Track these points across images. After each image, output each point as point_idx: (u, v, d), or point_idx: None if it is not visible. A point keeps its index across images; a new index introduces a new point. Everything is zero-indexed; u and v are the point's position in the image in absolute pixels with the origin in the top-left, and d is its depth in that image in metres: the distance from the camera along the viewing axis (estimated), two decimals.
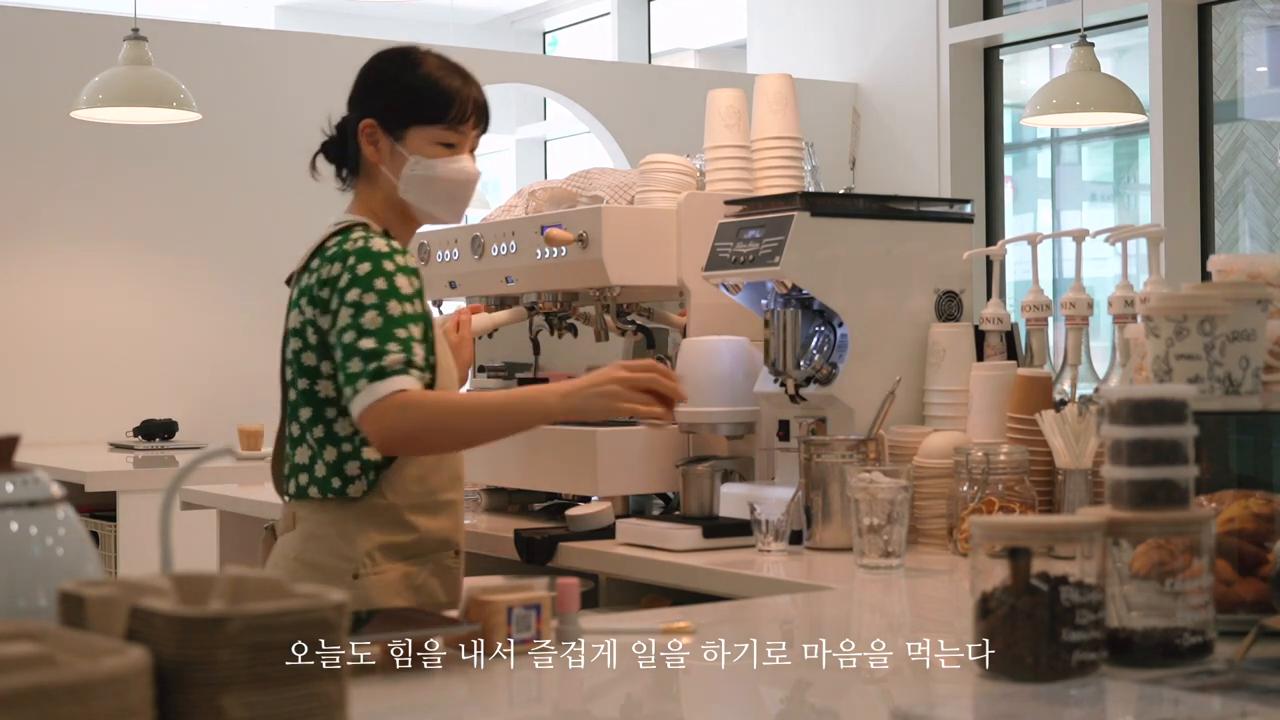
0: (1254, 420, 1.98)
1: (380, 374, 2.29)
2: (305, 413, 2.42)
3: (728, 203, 3.04)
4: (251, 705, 1.11)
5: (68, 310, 6.36)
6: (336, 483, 2.41)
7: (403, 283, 2.36)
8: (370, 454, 2.40)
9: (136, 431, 5.94)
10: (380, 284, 2.33)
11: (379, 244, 2.38)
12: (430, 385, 2.35)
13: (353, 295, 2.33)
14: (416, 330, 2.34)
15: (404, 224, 2.55)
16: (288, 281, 2.56)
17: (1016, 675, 1.56)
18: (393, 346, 2.30)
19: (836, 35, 8.23)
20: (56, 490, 1.34)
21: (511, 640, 1.74)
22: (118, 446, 5.88)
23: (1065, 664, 1.55)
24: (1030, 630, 1.55)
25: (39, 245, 6.30)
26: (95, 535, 4.66)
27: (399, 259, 2.38)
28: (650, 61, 10.29)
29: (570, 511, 2.90)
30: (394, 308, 2.33)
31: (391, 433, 2.30)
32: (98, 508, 4.71)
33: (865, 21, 8.08)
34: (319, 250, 2.43)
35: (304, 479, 2.44)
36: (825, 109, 7.30)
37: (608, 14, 10.52)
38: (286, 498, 2.50)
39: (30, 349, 6.29)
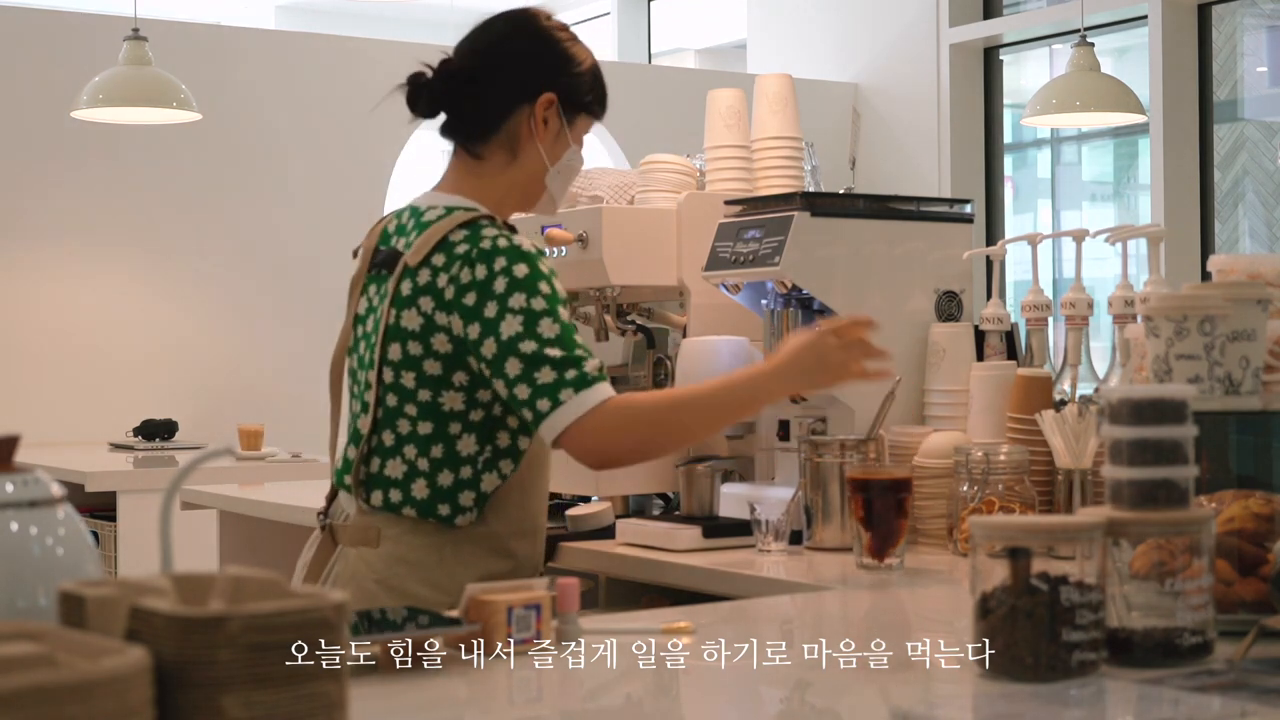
0: (1254, 420, 1.98)
1: (584, 381, 2.11)
2: (421, 426, 2.20)
3: (728, 203, 3.04)
4: (251, 705, 1.11)
5: (68, 310, 6.36)
6: (444, 510, 2.22)
7: (559, 288, 2.20)
8: (488, 484, 2.22)
9: (136, 431, 5.94)
10: (545, 288, 2.15)
11: (524, 243, 2.19)
12: None
13: (517, 301, 2.13)
14: (581, 340, 2.18)
15: (514, 210, 2.36)
16: (355, 254, 2.36)
17: (1016, 675, 1.56)
18: (581, 353, 2.14)
19: (836, 35, 8.23)
20: (56, 490, 1.34)
21: (511, 640, 1.73)
22: (118, 446, 5.88)
23: (1065, 664, 1.55)
24: (1030, 630, 1.55)
25: (39, 245, 6.30)
26: (95, 535, 4.66)
27: (546, 262, 2.21)
28: (650, 61, 10.29)
29: (570, 511, 2.90)
30: (564, 314, 2.17)
31: (617, 443, 2.14)
32: (98, 508, 4.71)
33: (865, 21, 8.08)
34: (443, 244, 2.19)
35: (396, 495, 2.23)
36: (825, 109, 7.30)
37: (608, 14, 10.52)
38: (364, 506, 2.28)
39: (30, 349, 6.29)
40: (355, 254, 2.39)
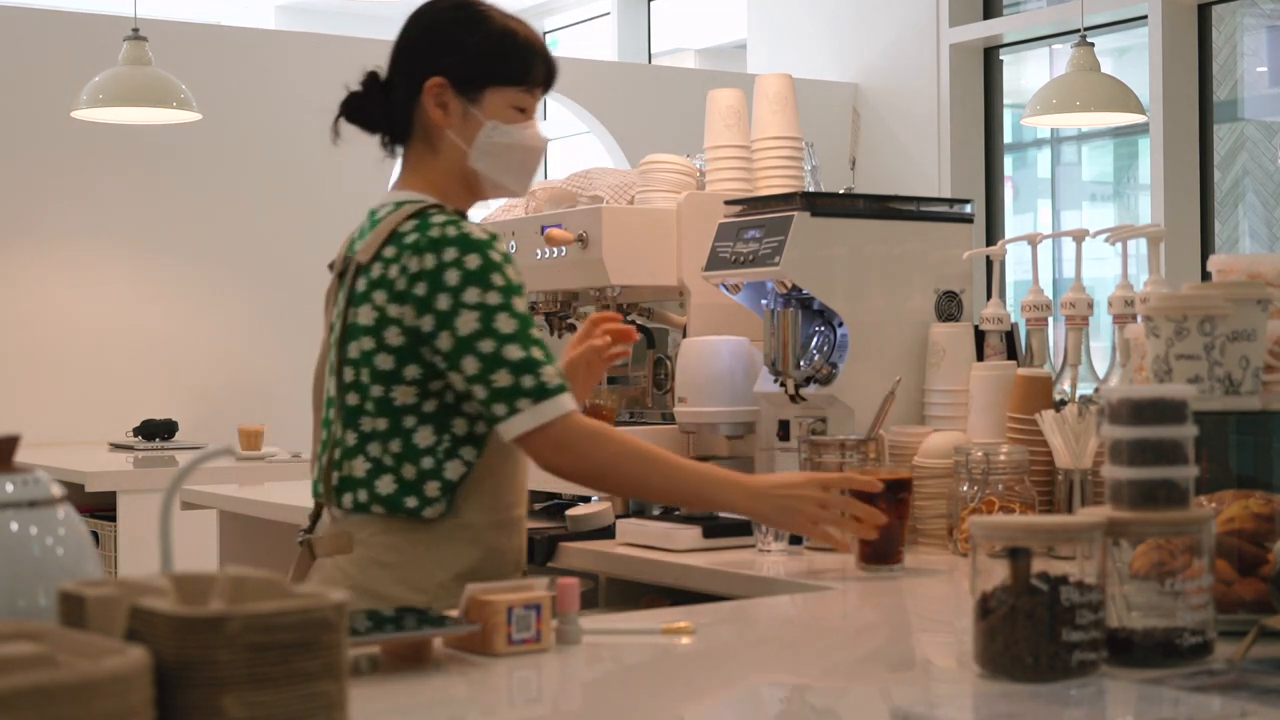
0: (1254, 420, 1.98)
1: (544, 392, 2.09)
2: (376, 423, 2.17)
3: (728, 203, 3.04)
4: (251, 705, 1.11)
5: (68, 310, 6.36)
6: (412, 502, 2.17)
7: (513, 275, 2.15)
8: (453, 472, 2.18)
9: (136, 431, 5.94)
10: (498, 280, 2.11)
11: (474, 230, 2.14)
12: None
13: (471, 295, 2.09)
14: (538, 333, 2.14)
15: (467, 198, 2.30)
16: (331, 267, 2.33)
17: (1016, 675, 1.56)
18: (538, 354, 2.10)
19: (836, 35, 8.23)
20: (56, 490, 1.34)
21: (511, 640, 1.73)
22: (118, 446, 5.88)
23: (1065, 664, 1.55)
24: (1030, 630, 1.55)
25: (39, 245, 6.30)
26: (95, 535, 4.66)
27: (499, 246, 2.15)
28: (650, 61, 10.29)
29: (570, 511, 2.90)
30: (519, 305, 2.12)
31: (578, 462, 2.13)
32: (98, 508, 4.72)
33: (865, 21, 8.08)
34: (393, 237, 2.16)
35: (363, 495, 2.18)
36: (825, 109, 7.30)
37: (608, 14, 10.52)
38: (336, 512, 2.23)
39: (30, 349, 6.29)
40: (331, 267, 2.36)
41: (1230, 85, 7.06)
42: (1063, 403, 2.62)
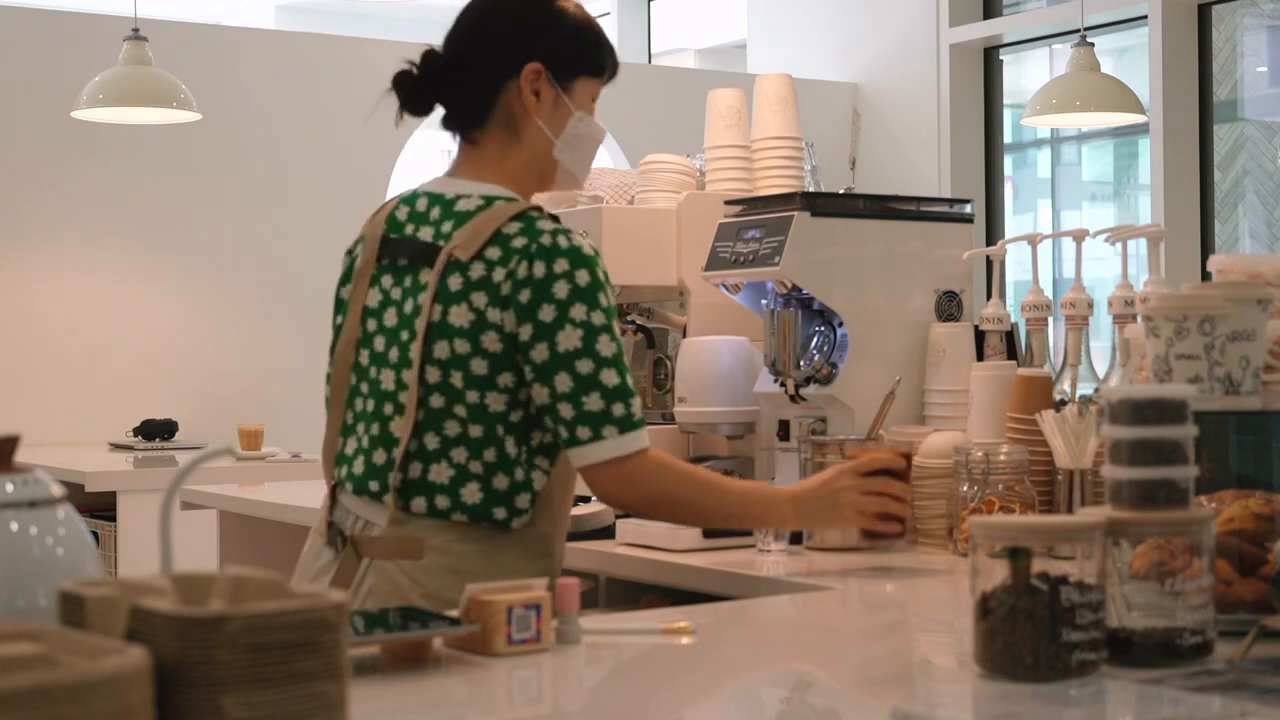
0: (1254, 420, 1.98)
1: (630, 424, 2.06)
2: (470, 429, 2.08)
3: (728, 203, 3.04)
4: (251, 705, 1.11)
5: (68, 310, 6.36)
6: (501, 513, 2.10)
7: (612, 298, 2.11)
8: (539, 484, 2.12)
9: (136, 431, 5.94)
10: (603, 300, 2.06)
11: (584, 243, 2.09)
12: None
13: (578, 312, 2.04)
14: (627, 358, 2.11)
15: (536, 188, 2.24)
16: (350, 252, 2.26)
17: (1016, 675, 1.56)
18: (631, 384, 2.07)
19: (836, 35, 8.23)
20: (56, 490, 1.34)
21: (511, 640, 1.73)
22: (118, 446, 5.88)
23: (1065, 664, 1.55)
24: (1030, 630, 1.55)
25: (39, 245, 6.30)
26: (95, 535, 4.66)
27: (603, 265, 2.11)
28: (650, 61, 10.29)
29: (570, 511, 2.90)
30: (618, 328, 2.09)
31: (641, 494, 2.11)
32: (98, 508, 4.71)
33: (865, 21, 8.08)
34: (496, 237, 2.08)
35: (444, 501, 2.09)
36: (825, 109, 7.30)
37: (608, 14, 10.52)
38: (400, 515, 2.12)
39: (30, 349, 6.29)
40: (352, 250, 2.28)
41: (1230, 85, 7.06)
42: (1063, 403, 2.62)
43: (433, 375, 2.08)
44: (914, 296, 2.92)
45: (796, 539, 2.70)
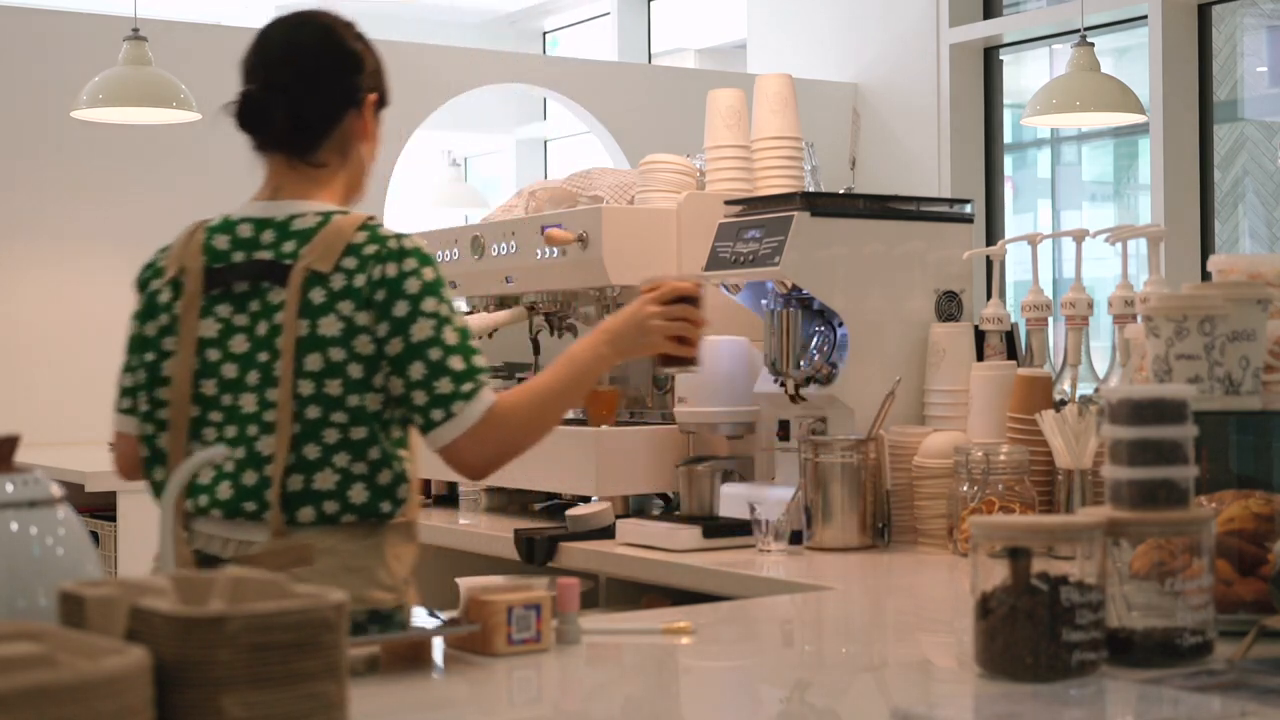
0: (1254, 420, 1.98)
1: (474, 394, 2.13)
2: (351, 432, 2.13)
3: (728, 203, 3.04)
4: (251, 705, 1.11)
5: (68, 310, 6.36)
6: (387, 506, 2.15)
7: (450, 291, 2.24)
8: (410, 473, 2.19)
9: None
10: (446, 293, 2.18)
11: (421, 244, 2.20)
12: None
13: (430, 305, 2.14)
14: (476, 342, 2.21)
15: (350, 203, 2.35)
16: (146, 283, 2.30)
17: (1016, 675, 1.56)
18: (479, 361, 2.16)
19: (836, 35, 8.23)
20: (56, 490, 1.34)
21: (511, 640, 1.74)
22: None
23: (1065, 664, 1.55)
24: (1030, 630, 1.55)
25: (39, 245, 6.30)
26: (95, 535, 4.65)
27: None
28: (650, 61, 10.29)
29: (570, 511, 2.90)
30: (459, 320, 2.19)
31: (494, 451, 2.17)
32: (98, 508, 4.71)
33: (865, 21, 8.08)
34: (349, 248, 2.17)
35: (332, 506, 2.13)
36: (825, 109, 7.30)
37: (608, 14, 10.53)
38: (285, 527, 2.15)
39: (30, 349, 6.29)
40: (146, 285, 2.30)
41: (1230, 85, 7.06)
42: (1063, 403, 2.62)
43: (306, 388, 2.12)
44: (914, 296, 2.92)
45: (796, 539, 2.70)
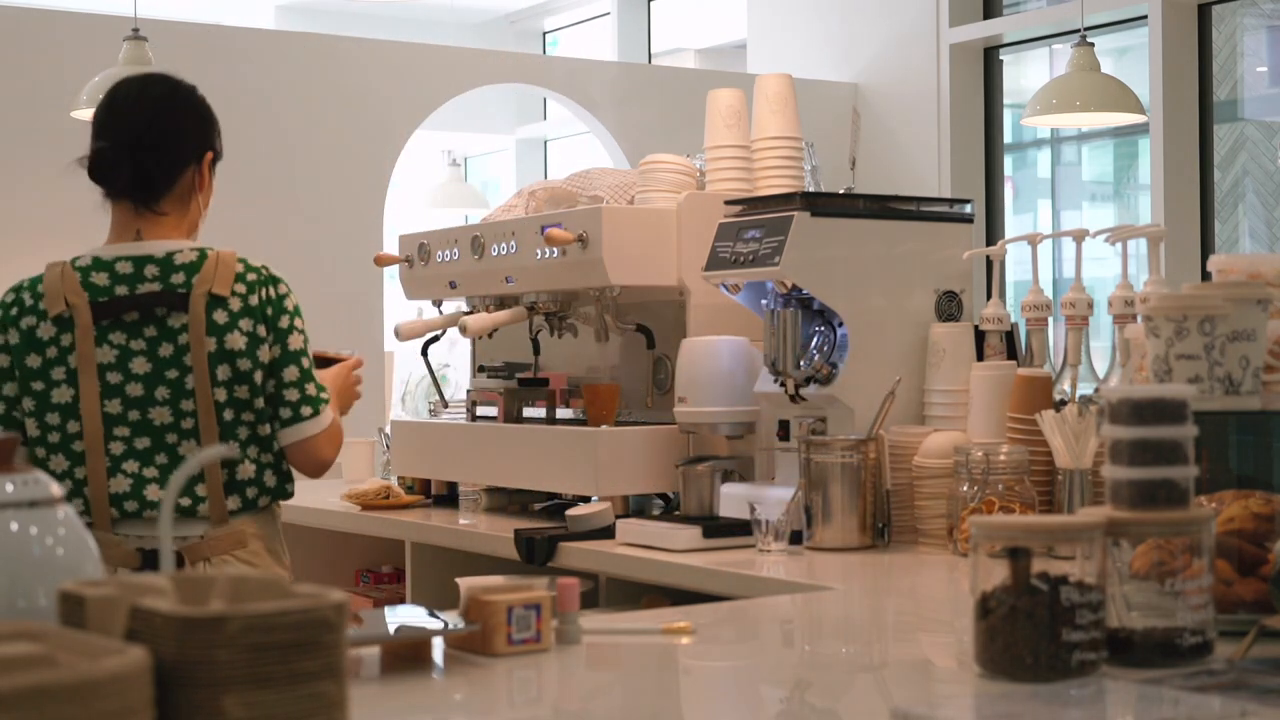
0: (1254, 420, 1.98)
1: (328, 403, 2.58)
2: (260, 429, 2.51)
3: (728, 203, 3.04)
4: (251, 705, 1.11)
5: None
6: (290, 487, 2.58)
7: None
8: (273, 451, 2.56)
9: None
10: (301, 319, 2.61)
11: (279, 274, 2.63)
12: None
13: (299, 324, 2.57)
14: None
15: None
16: (164, 305, 2.55)
17: (1016, 675, 1.56)
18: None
19: (836, 35, 8.23)
20: (56, 490, 1.34)
21: (511, 640, 1.74)
22: None
23: (1065, 664, 1.55)
24: (1030, 630, 1.55)
25: (39, 245, 6.29)
26: None
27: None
28: (650, 61, 10.29)
29: (570, 511, 2.90)
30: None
31: (331, 455, 2.59)
32: None
33: (865, 21, 8.08)
34: (237, 276, 2.54)
35: (252, 492, 2.49)
36: (825, 109, 7.29)
37: (608, 14, 10.52)
38: (215, 518, 2.43)
39: None
40: (14, 320, 2.60)
41: (1230, 85, 7.06)
42: (1063, 403, 2.62)
43: (220, 395, 2.47)
44: (914, 296, 2.92)
45: (796, 539, 2.70)
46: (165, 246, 2.56)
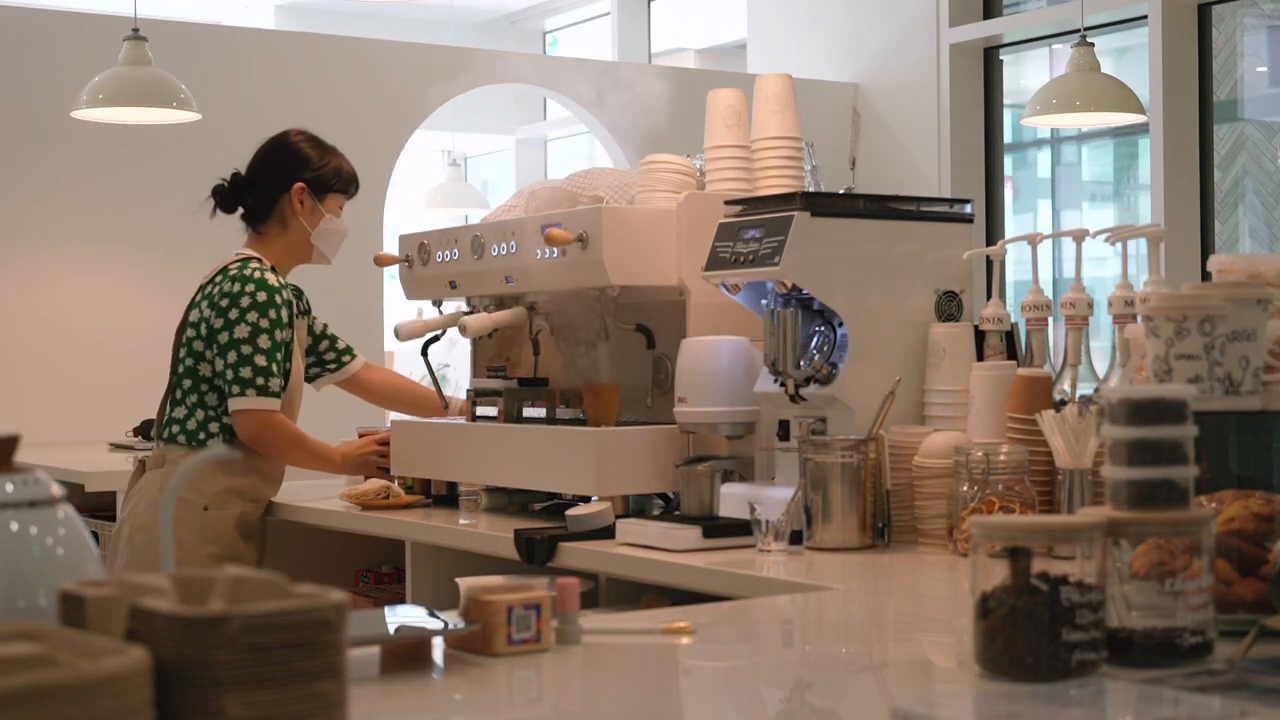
0: (1254, 420, 1.98)
1: (265, 390, 3.35)
2: (187, 383, 3.44)
3: (728, 203, 3.04)
4: (251, 705, 1.11)
5: (67, 310, 6.36)
6: (202, 436, 3.43)
7: (284, 315, 3.41)
8: (226, 419, 3.41)
9: (136, 431, 5.93)
10: (273, 314, 3.37)
11: (272, 279, 3.41)
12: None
13: (252, 316, 3.34)
14: (281, 355, 3.39)
15: (293, 262, 3.59)
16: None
17: (1016, 675, 1.56)
18: (275, 368, 3.37)
19: (836, 35, 8.23)
20: (56, 490, 1.34)
21: (511, 640, 1.74)
22: (118, 446, 5.87)
23: (1065, 664, 1.55)
24: (1030, 630, 1.55)
25: (39, 245, 6.30)
26: (95, 535, 4.65)
27: (285, 293, 3.44)
28: (650, 61, 10.29)
29: (570, 511, 2.90)
30: (279, 335, 3.38)
31: (259, 439, 3.38)
32: (98, 508, 4.71)
33: (865, 21, 8.09)
34: (221, 272, 3.41)
35: (176, 429, 3.46)
36: (825, 109, 7.30)
37: (608, 14, 10.53)
38: (161, 441, 3.51)
39: (30, 349, 6.29)
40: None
41: (1230, 85, 7.06)
42: (1063, 403, 2.62)
43: (180, 351, 3.46)
44: (914, 296, 2.92)
45: (796, 539, 2.70)
46: (240, 254, 3.50)
